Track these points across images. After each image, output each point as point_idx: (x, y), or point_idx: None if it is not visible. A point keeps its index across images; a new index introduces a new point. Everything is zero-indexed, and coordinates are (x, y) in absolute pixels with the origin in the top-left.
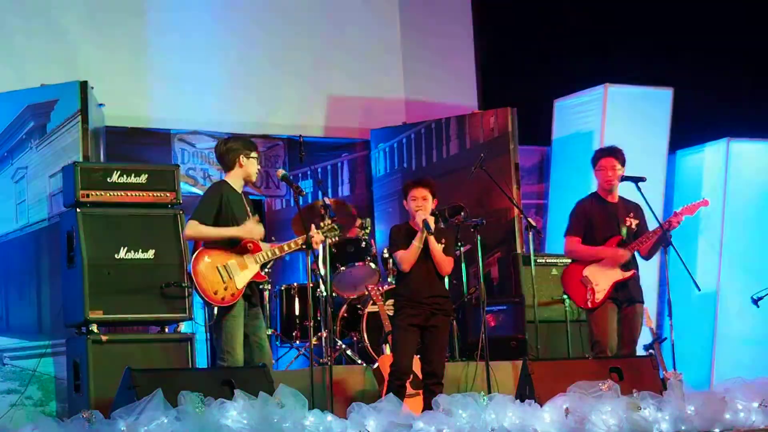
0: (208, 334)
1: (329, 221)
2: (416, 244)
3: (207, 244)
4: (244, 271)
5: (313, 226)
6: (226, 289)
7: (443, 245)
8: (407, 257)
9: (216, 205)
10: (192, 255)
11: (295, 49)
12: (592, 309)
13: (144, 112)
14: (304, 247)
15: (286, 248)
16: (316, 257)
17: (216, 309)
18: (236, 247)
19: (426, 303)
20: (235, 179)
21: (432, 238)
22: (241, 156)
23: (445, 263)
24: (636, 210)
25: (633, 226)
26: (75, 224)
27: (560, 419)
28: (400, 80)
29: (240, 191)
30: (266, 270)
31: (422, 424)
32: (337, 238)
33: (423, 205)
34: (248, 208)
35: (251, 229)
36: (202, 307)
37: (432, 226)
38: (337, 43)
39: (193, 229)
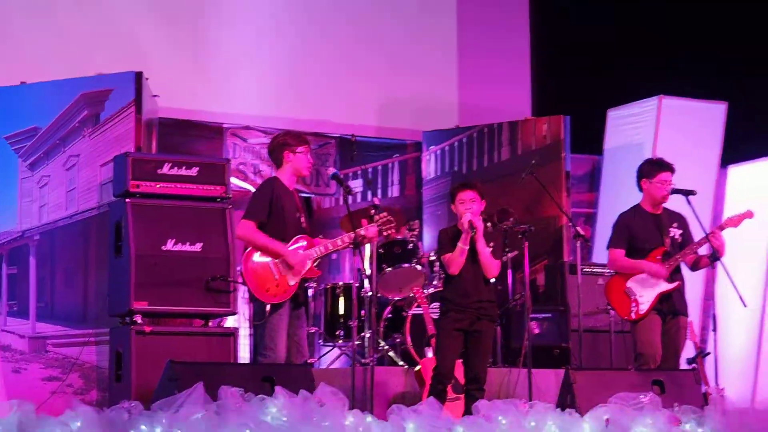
0: (251, 329)
1: (384, 213)
2: (461, 246)
3: None
4: (295, 269)
5: (365, 220)
6: (278, 286)
7: (491, 248)
8: (454, 260)
9: (268, 201)
10: (244, 251)
11: (350, 48)
12: (636, 320)
13: (198, 105)
14: (355, 239)
15: (339, 243)
16: (363, 257)
17: (269, 306)
18: (288, 244)
19: (472, 307)
20: (285, 175)
21: (481, 240)
22: (288, 151)
23: (492, 266)
24: (680, 220)
25: (677, 237)
26: (124, 214)
27: (600, 430)
28: (454, 83)
29: (291, 188)
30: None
31: (462, 429)
32: (393, 231)
33: (471, 208)
34: (299, 206)
35: (300, 259)
36: (247, 303)
37: (480, 227)
38: (392, 43)
39: (247, 231)
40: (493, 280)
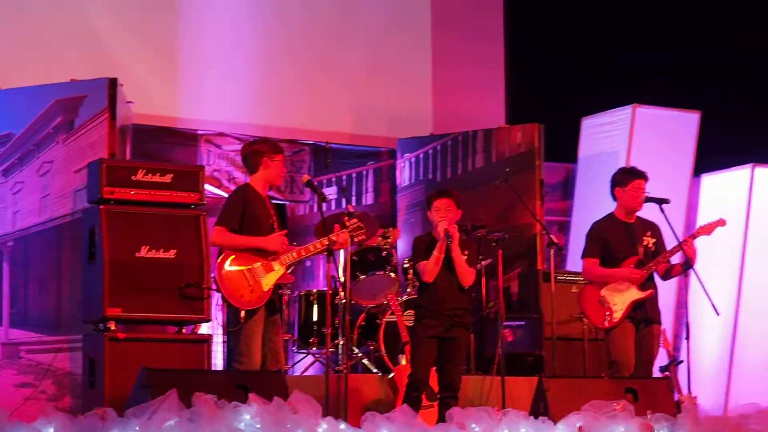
0: (225, 336)
1: (355, 220)
2: (437, 254)
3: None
4: (269, 274)
5: (337, 226)
6: (252, 292)
7: (466, 256)
8: (429, 267)
9: (240, 209)
10: (217, 259)
11: (324, 55)
12: (610, 329)
13: (172, 111)
14: (327, 248)
15: (311, 249)
16: (337, 264)
17: (243, 312)
18: (261, 249)
19: (447, 315)
20: (259, 182)
21: (456, 248)
22: (266, 158)
23: (468, 274)
24: (653, 229)
25: (650, 245)
26: (98, 221)
27: None
28: (429, 91)
29: (264, 194)
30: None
31: None
32: (363, 237)
33: (446, 216)
34: (272, 212)
35: (277, 240)
36: (220, 310)
37: (455, 236)
38: (367, 51)
39: (219, 236)
40: (467, 288)
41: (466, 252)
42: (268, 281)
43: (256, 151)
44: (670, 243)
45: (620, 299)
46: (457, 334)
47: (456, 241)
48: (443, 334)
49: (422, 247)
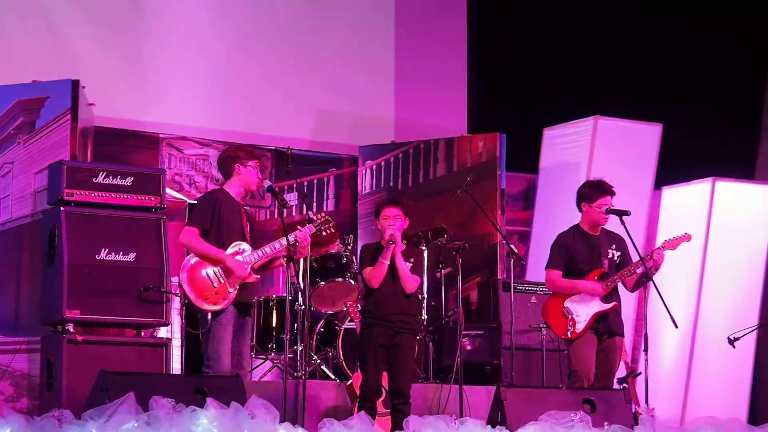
0: (184, 340)
1: (323, 213)
2: (381, 260)
3: None
4: (234, 275)
5: (299, 227)
6: (217, 294)
7: (411, 264)
8: (374, 274)
9: (210, 210)
10: (183, 261)
11: (288, 61)
12: (572, 339)
13: (134, 114)
14: (288, 250)
15: (277, 246)
16: (297, 270)
17: (209, 315)
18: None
19: (392, 321)
20: (233, 188)
21: (399, 255)
22: (238, 164)
23: (410, 281)
24: (618, 241)
25: (615, 258)
26: (58, 222)
27: None
28: (392, 99)
29: (238, 199)
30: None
31: None
32: (331, 230)
33: (394, 224)
34: (244, 218)
35: (241, 266)
36: (179, 314)
37: (398, 239)
38: (330, 57)
39: (188, 237)
40: (411, 294)
41: (411, 260)
42: (232, 282)
43: (230, 157)
44: (633, 255)
45: (584, 310)
46: (403, 340)
47: (399, 245)
48: (389, 341)
49: (368, 254)
